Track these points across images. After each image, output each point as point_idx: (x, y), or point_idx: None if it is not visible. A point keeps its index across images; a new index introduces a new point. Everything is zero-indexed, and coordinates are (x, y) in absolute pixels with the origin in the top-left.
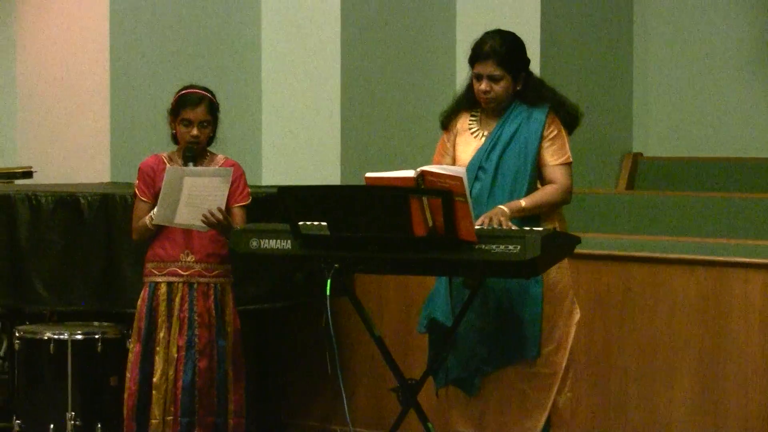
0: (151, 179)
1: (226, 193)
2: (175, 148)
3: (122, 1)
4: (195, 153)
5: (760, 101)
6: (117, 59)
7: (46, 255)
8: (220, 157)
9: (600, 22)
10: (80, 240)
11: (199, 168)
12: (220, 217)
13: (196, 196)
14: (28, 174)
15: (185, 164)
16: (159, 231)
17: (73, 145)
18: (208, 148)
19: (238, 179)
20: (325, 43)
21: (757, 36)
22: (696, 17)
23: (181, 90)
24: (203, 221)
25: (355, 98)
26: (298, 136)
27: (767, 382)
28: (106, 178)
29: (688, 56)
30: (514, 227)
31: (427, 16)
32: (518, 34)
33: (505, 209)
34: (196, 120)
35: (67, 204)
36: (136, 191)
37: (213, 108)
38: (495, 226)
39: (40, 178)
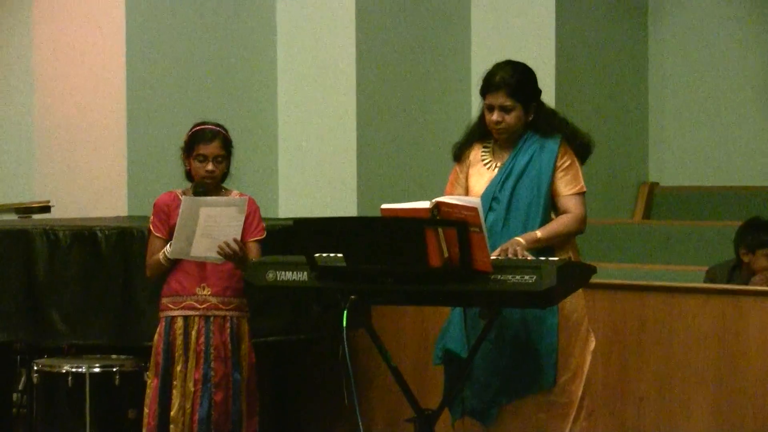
0: (165, 215)
1: (242, 223)
2: (188, 184)
3: (138, 37)
4: (207, 188)
5: None
6: (133, 94)
7: (63, 289)
8: (235, 193)
9: (615, 52)
10: (98, 274)
11: (215, 198)
12: (236, 247)
13: (212, 227)
14: (45, 209)
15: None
16: (174, 266)
17: (91, 179)
18: (223, 185)
19: (252, 213)
20: (341, 76)
21: None
22: (710, 48)
23: (194, 126)
24: (219, 253)
25: (370, 131)
26: (314, 168)
27: None
28: (123, 212)
29: (704, 86)
30: (530, 257)
31: (443, 49)
32: (534, 65)
33: (521, 240)
34: (210, 155)
35: (85, 238)
36: (151, 227)
37: (227, 143)
38: (511, 256)
39: (57, 213)
